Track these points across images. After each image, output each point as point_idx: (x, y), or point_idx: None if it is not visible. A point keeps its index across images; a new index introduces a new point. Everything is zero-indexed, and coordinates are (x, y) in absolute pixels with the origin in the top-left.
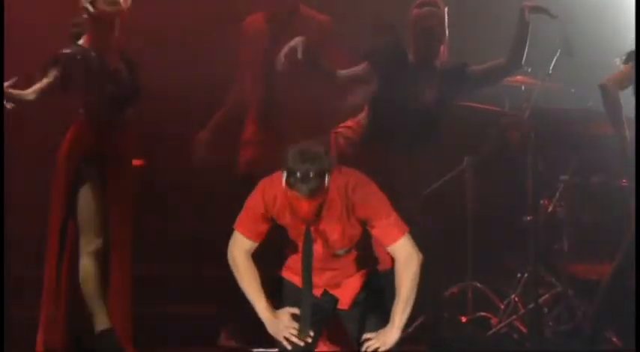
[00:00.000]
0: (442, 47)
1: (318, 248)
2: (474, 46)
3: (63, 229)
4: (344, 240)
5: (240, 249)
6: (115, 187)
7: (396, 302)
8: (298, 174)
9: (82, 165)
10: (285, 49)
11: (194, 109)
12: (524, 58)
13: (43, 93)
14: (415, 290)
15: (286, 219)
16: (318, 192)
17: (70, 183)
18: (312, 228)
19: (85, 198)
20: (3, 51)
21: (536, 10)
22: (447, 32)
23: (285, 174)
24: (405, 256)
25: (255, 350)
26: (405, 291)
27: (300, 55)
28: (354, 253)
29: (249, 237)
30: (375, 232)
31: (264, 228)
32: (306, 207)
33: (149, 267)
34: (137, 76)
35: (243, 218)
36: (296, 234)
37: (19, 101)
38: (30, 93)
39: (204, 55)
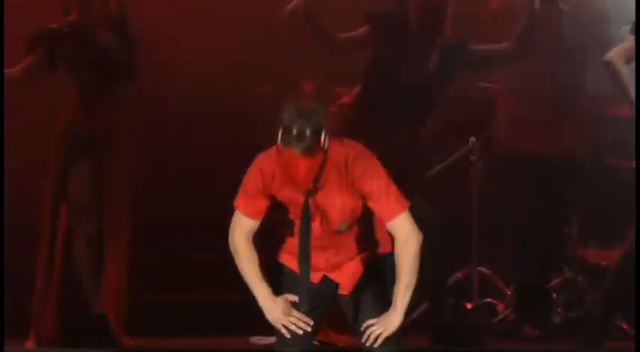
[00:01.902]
0: (445, 20)
1: (316, 224)
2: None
3: (55, 213)
4: (344, 214)
5: (241, 231)
6: (110, 169)
7: (396, 284)
8: (294, 131)
9: (73, 146)
10: (291, 6)
11: (196, 86)
12: (527, 48)
13: (29, 71)
14: (416, 271)
15: (285, 194)
16: (314, 149)
17: (62, 165)
18: (310, 202)
19: (78, 180)
20: (3, 51)
21: None
22: (449, 4)
23: (280, 132)
24: (404, 234)
25: (254, 337)
26: (405, 273)
27: (301, 19)
28: (355, 231)
29: (249, 216)
30: (374, 207)
31: (263, 204)
32: (303, 167)
33: (143, 253)
34: (133, 50)
35: (241, 195)
36: (295, 210)
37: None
38: (15, 71)
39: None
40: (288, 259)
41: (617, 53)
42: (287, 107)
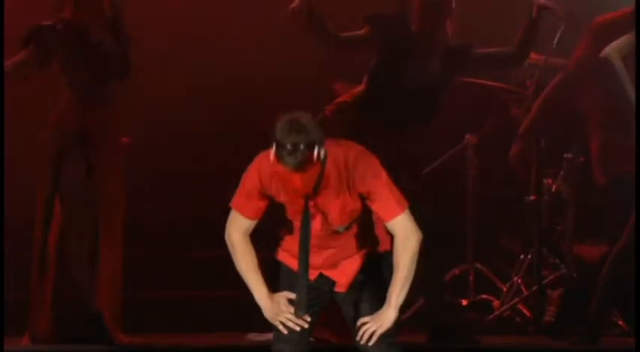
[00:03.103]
0: (447, 22)
1: (316, 224)
2: (480, 27)
3: (48, 210)
4: (343, 215)
5: (237, 229)
6: (103, 165)
7: (393, 281)
8: (287, 147)
9: (66, 142)
10: (294, 4)
11: (191, 83)
12: (530, 54)
13: (18, 66)
14: (413, 269)
15: (284, 196)
16: (306, 164)
17: (54, 161)
18: (310, 203)
19: (70, 177)
20: (3, 51)
21: (544, 8)
22: (453, 6)
23: (274, 147)
24: (403, 233)
25: (251, 333)
26: (402, 270)
27: (304, 18)
28: (353, 230)
29: (246, 216)
30: (374, 207)
31: (261, 205)
32: (298, 180)
33: (139, 251)
34: (127, 48)
35: (239, 195)
36: (294, 211)
37: None
38: (6, 66)
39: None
40: (286, 257)
41: (614, 49)
42: (279, 121)
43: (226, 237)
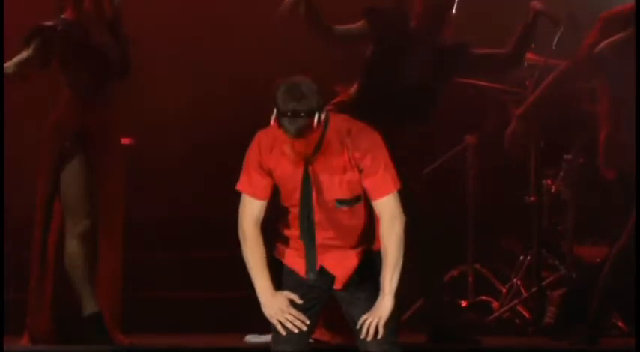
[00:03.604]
0: (446, 21)
1: (315, 195)
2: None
3: (48, 210)
4: (342, 185)
5: (249, 217)
6: (103, 166)
7: (384, 268)
8: (287, 114)
9: (66, 143)
10: (286, 4)
11: (189, 86)
12: (524, 57)
13: (19, 66)
14: (402, 253)
15: (284, 168)
16: (306, 131)
17: (54, 162)
18: (310, 169)
19: (70, 178)
20: (3, 51)
21: (541, 13)
22: (454, 6)
23: (274, 113)
24: (391, 215)
25: (249, 335)
26: (392, 255)
27: (301, 12)
28: (356, 221)
29: (253, 195)
30: (367, 183)
31: (264, 182)
32: (299, 145)
33: (139, 251)
34: (127, 50)
35: (243, 175)
36: (293, 187)
37: None
38: (7, 66)
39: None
40: (283, 254)
41: (606, 47)
42: (279, 87)
43: (239, 226)
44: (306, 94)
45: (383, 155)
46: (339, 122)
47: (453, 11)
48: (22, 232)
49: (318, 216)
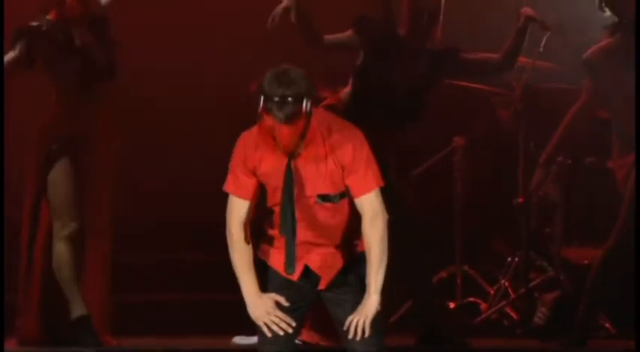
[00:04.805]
0: (436, 26)
1: (298, 191)
2: (468, 31)
3: (35, 212)
4: (326, 181)
5: (235, 218)
6: (90, 168)
7: (368, 266)
8: (275, 99)
9: (53, 145)
10: (278, 9)
11: (180, 84)
12: (516, 62)
13: (7, 67)
14: (386, 251)
15: (267, 165)
16: (294, 117)
17: (41, 163)
18: (293, 164)
19: (57, 180)
20: (3, 51)
21: (532, 19)
22: (441, 12)
23: (261, 100)
24: (372, 212)
25: (237, 337)
26: (375, 253)
27: (293, 19)
28: (338, 218)
29: (238, 195)
30: (349, 180)
31: (250, 182)
32: (285, 132)
33: (127, 253)
34: (113, 52)
35: (229, 175)
36: (276, 186)
37: None
38: None
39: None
40: (267, 254)
41: (594, 52)
42: (266, 75)
43: (226, 229)
44: (295, 80)
45: (365, 152)
46: (321, 117)
47: (441, 16)
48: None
49: (300, 213)
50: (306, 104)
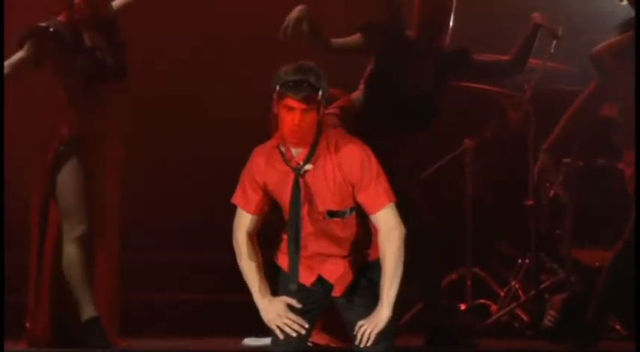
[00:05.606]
0: (446, 29)
1: (306, 209)
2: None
3: (44, 214)
4: (334, 195)
5: (241, 227)
6: (99, 170)
7: (382, 279)
8: (291, 83)
9: (61, 146)
10: (290, 21)
11: (188, 86)
12: (525, 66)
13: (14, 67)
14: (401, 264)
15: (276, 181)
16: (309, 101)
17: (49, 165)
18: (301, 181)
19: (66, 181)
20: (3, 51)
21: (542, 26)
22: (452, 15)
23: (277, 87)
24: (388, 227)
25: (247, 338)
26: (390, 267)
27: (305, 29)
28: (351, 230)
29: (247, 210)
30: (360, 197)
31: (257, 198)
32: (298, 118)
33: (136, 254)
34: (121, 53)
35: (238, 189)
36: (286, 201)
37: None
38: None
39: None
40: (284, 259)
41: (603, 48)
42: (282, 68)
43: (233, 236)
44: (312, 70)
45: (374, 168)
46: (330, 135)
47: (451, 20)
48: (17, 235)
49: (310, 227)
50: (320, 95)
